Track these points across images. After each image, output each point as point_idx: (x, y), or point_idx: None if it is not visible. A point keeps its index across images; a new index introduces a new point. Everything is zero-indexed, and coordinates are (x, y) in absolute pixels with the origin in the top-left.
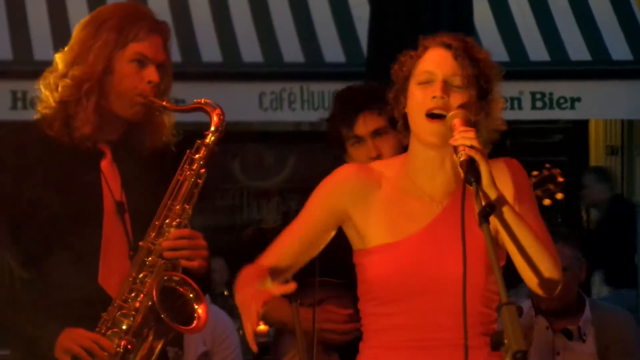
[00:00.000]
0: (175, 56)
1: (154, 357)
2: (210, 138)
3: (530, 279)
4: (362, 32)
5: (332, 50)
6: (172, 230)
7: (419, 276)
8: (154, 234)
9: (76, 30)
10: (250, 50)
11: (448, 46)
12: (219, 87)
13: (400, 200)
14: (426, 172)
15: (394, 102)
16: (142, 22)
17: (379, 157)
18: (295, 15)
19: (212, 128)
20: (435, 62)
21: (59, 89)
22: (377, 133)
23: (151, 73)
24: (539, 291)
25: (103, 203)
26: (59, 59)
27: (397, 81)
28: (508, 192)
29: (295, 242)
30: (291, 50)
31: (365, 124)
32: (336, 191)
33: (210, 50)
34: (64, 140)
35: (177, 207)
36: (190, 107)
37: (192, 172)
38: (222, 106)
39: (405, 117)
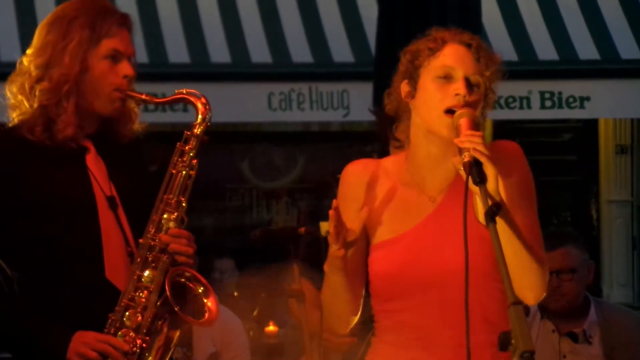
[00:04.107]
0: (184, 57)
1: (172, 345)
2: (198, 128)
3: (515, 285)
4: (371, 32)
5: (341, 51)
6: (171, 224)
7: (417, 271)
8: (153, 230)
9: (42, 32)
10: (259, 51)
11: (468, 45)
12: (227, 87)
13: (400, 196)
14: (427, 166)
15: (395, 89)
16: (112, 17)
17: None
18: (303, 16)
19: (199, 117)
20: (456, 58)
21: (37, 93)
22: None
23: (126, 67)
24: (523, 298)
25: (95, 199)
26: (30, 63)
27: (406, 70)
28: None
29: (354, 260)
30: (300, 51)
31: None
32: (354, 193)
33: (218, 51)
34: (45, 143)
35: (173, 200)
36: (172, 98)
37: (184, 164)
38: (231, 107)
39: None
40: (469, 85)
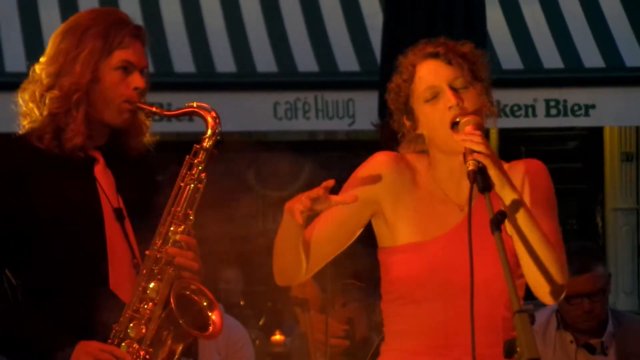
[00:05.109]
0: (189, 67)
1: (175, 359)
2: (207, 142)
3: (534, 284)
4: (376, 40)
5: (346, 59)
6: (178, 237)
7: (444, 278)
8: (160, 242)
9: (55, 40)
10: (265, 60)
11: (435, 55)
12: (233, 97)
13: (429, 201)
14: (452, 178)
15: (397, 127)
16: (126, 28)
17: None
18: (309, 25)
19: (209, 131)
20: (432, 74)
21: (47, 101)
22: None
23: (137, 79)
24: (542, 298)
25: (102, 210)
26: (41, 71)
27: (398, 107)
28: (523, 193)
29: (328, 229)
30: (305, 60)
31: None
32: (372, 181)
33: (224, 61)
34: (54, 151)
35: (181, 213)
36: (182, 111)
37: (193, 177)
38: (236, 116)
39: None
40: (456, 91)
